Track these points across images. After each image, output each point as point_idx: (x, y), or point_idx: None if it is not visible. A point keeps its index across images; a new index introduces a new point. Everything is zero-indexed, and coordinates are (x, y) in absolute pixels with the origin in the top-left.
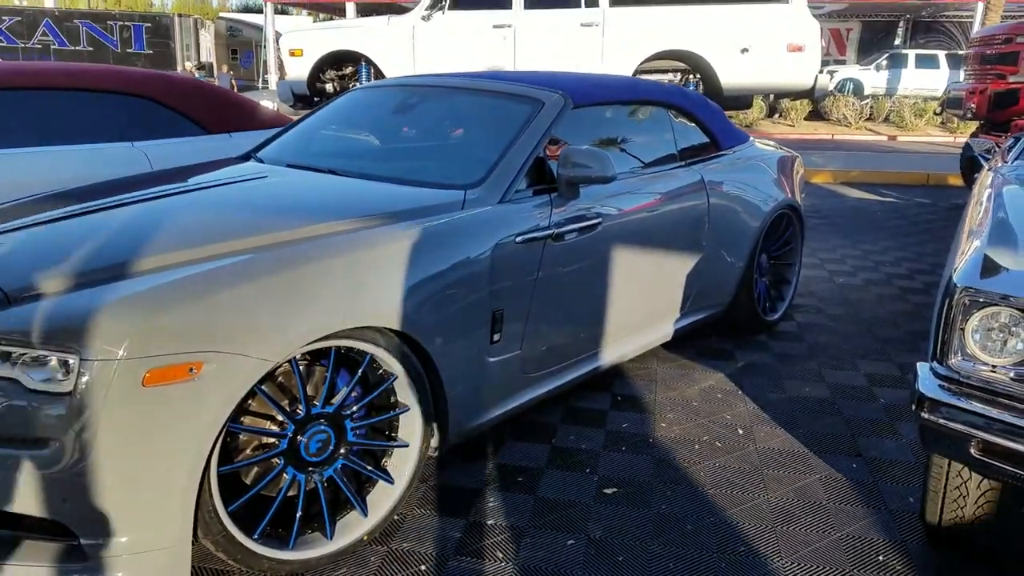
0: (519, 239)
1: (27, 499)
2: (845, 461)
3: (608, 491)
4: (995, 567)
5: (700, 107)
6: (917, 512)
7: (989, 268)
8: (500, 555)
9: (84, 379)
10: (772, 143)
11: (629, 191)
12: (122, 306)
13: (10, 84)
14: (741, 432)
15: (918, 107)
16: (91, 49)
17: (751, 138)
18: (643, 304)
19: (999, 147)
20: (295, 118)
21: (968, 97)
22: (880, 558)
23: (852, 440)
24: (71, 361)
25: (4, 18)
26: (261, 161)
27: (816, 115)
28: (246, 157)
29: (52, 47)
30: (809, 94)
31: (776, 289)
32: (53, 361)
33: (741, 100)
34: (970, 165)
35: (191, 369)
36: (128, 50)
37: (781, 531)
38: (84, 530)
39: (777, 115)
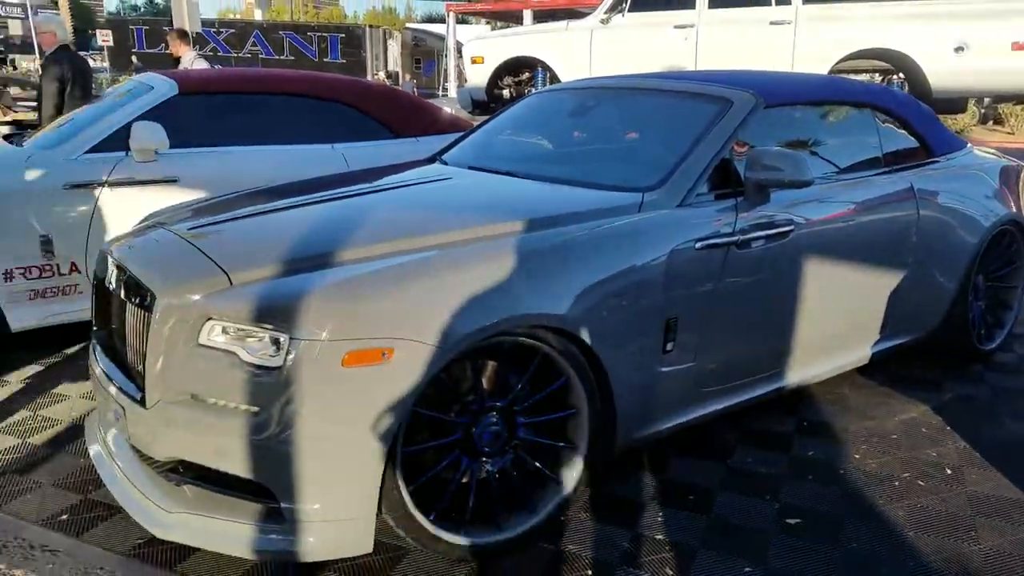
0: (699, 245)
1: (236, 461)
2: None
3: (791, 521)
4: None
5: (909, 109)
6: None
7: None
8: (669, 572)
9: (292, 356)
10: (993, 151)
11: (826, 198)
12: (327, 293)
13: (237, 88)
14: (949, 472)
15: None
16: (292, 58)
17: (968, 144)
18: (836, 323)
19: None
20: (474, 123)
21: None
22: None
23: None
24: (282, 339)
25: (221, 30)
26: (446, 163)
27: None
28: (432, 159)
29: (260, 56)
30: None
31: (994, 315)
32: (266, 338)
33: (953, 104)
34: None
35: (384, 354)
36: (325, 59)
37: None
38: (283, 494)
39: (992, 121)
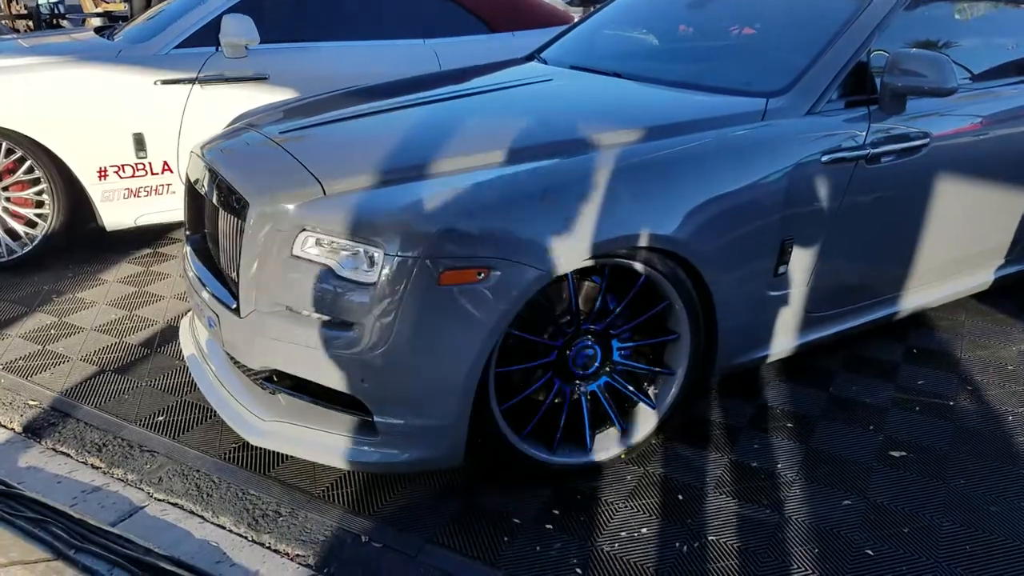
0: (825, 159)
1: (332, 374)
2: None
3: (895, 454)
4: None
5: None
6: None
7: None
8: (765, 501)
9: (386, 272)
10: None
11: (967, 106)
12: (425, 207)
13: None
14: None
15: None
16: None
17: None
18: (962, 245)
19: None
20: (575, 17)
21: None
22: None
23: None
24: (375, 254)
25: None
26: (545, 62)
27: None
28: (530, 58)
29: None
30: None
31: None
32: (360, 252)
33: None
34: None
35: (480, 273)
36: None
37: None
38: (377, 408)
39: None
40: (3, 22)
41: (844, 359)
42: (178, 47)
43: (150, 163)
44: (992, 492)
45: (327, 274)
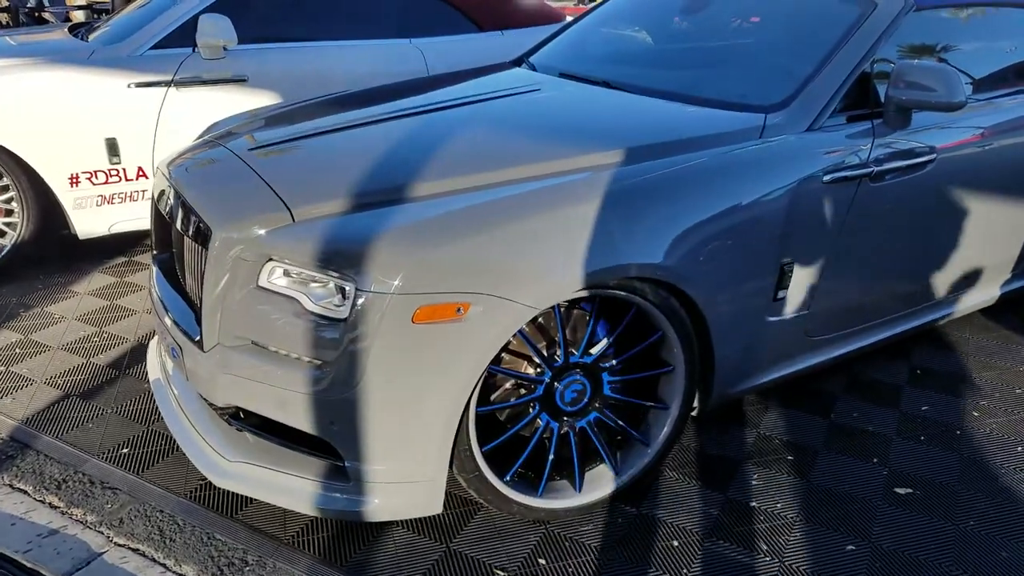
0: (827, 178)
1: (300, 415)
2: None
3: (900, 491)
4: None
5: None
6: None
7: None
8: (764, 547)
9: (358, 307)
10: None
11: (973, 118)
12: (399, 238)
13: None
14: None
15: None
16: None
17: None
18: (967, 261)
19: None
20: (565, 14)
21: None
22: None
23: None
24: (347, 288)
25: None
26: (534, 68)
27: None
28: (518, 62)
29: None
30: None
31: None
32: (331, 285)
33: None
34: None
35: (459, 309)
36: None
37: None
38: (348, 453)
39: None
40: None
41: (845, 382)
42: (153, 48)
43: (124, 169)
44: (1003, 534)
45: (296, 308)
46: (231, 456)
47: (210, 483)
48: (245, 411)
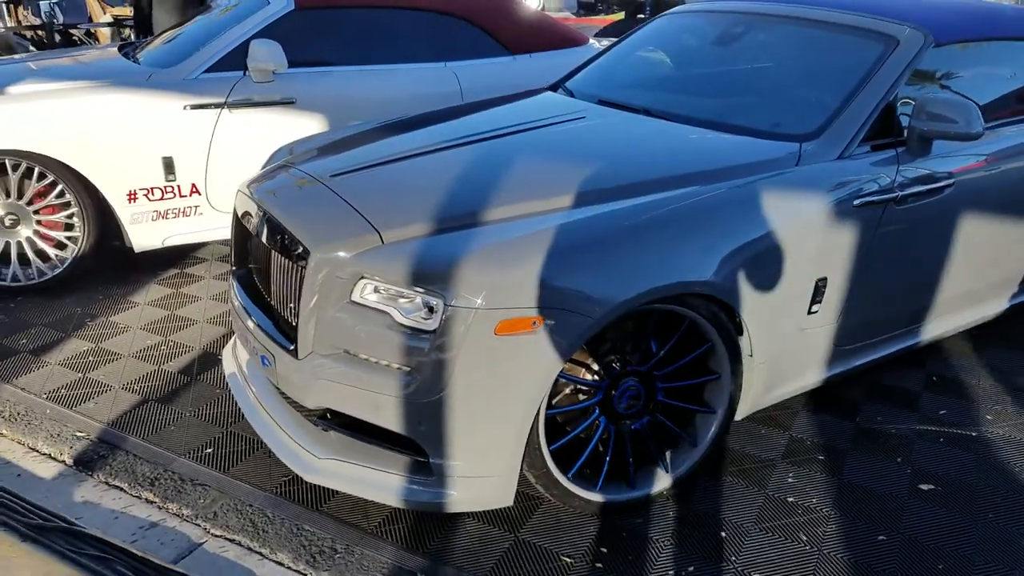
0: (856, 202)
1: (390, 417)
2: None
3: (924, 487)
4: None
5: None
6: None
7: None
8: (804, 537)
9: (445, 320)
10: None
11: (989, 144)
12: (482, 259)
13: (354, 3)
14: None
15: None
16: None
17: None
18: (980, 275)
19: None
20: (588, 37)
21: None
22: None
23: None
24: (435, 303)
25: None
26: (571, 94)
27: None
28: (555, 87)
29: None
30: None
31: None
32: (418, 300)
33: None
34: None
35: (534, 323)
36: None
37: None
38: (433, 450)
39: None
40: (21, 34)
41: (868, 388)
42: (207, 72)
43: (178, 186)
44: (1021, 526)
45: (387, 321)
46: (320, 453)
47: (293, 479)
48: (332, 413)
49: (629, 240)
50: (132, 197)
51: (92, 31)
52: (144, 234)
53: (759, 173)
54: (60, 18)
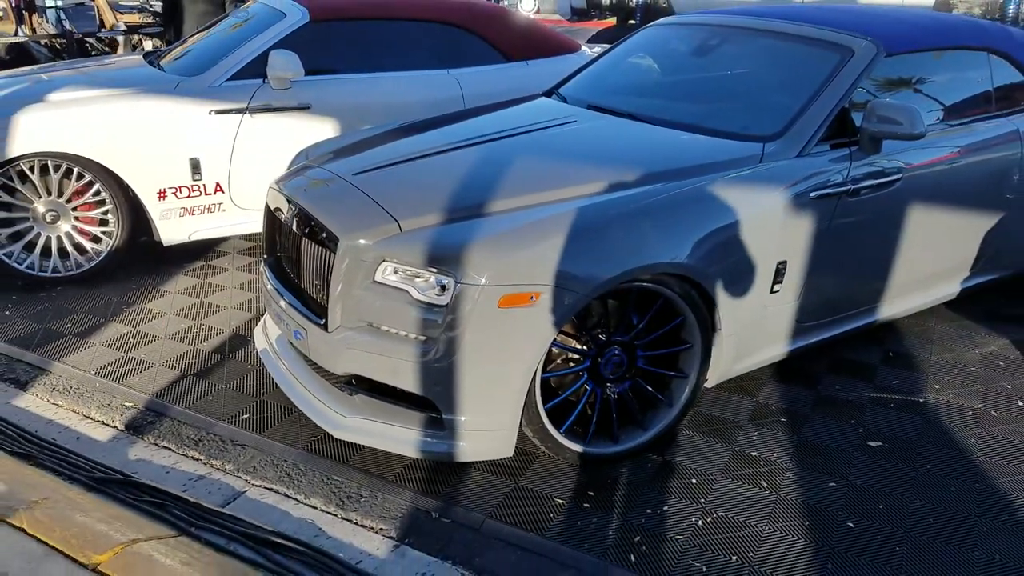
0: (813, 194)
1: (409, 379)
2: None
3: (873, 444)
4: None
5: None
6: None
7: None
8: (764, 484)
9: (457, 297)
10: None
11: (933, 144)
12: (488, 243)
13: (364, 15)
14: (1020, 404)
15: None
16: None
17: None
18: (932, 262)
19: None
20: (581, 44)
21: None
22: None
23: None
24: (446, 282)
25: None
26: (564, 99)
27: None
28: (549, 94)
29: None
30: None
31: None
32: (432, 279)
33: None
34: None
35: (532, 297)
36: None
37: None
38: (446, 407)
39: None
40: (43, 42)
41: (829, 362)
42: (230, 80)
43: (204, 185)
44: (952, 475)
45: (405, 297)
46: (347, 413)
47: (322, 438)
48: (358, 379)
49: (614, 227)
50: (162, 195)
51: (107, 39)
52: (172, 229)
53: (727, 170)
54: (67, 25)
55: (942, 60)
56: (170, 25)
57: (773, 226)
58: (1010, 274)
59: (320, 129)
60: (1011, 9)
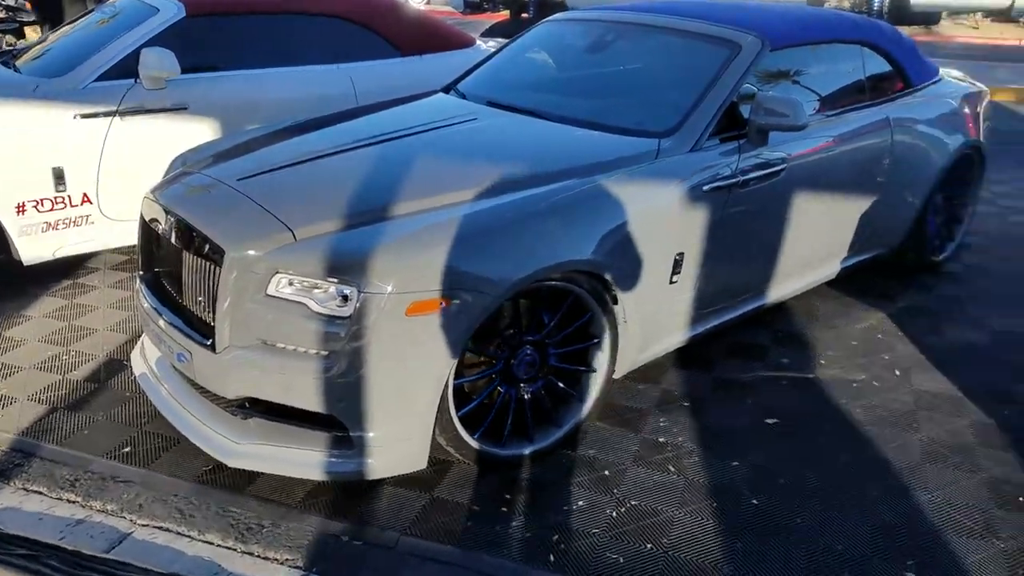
0: (707, 187)
1: (311, 398)
2: (998, 408)
3: (769, 421)
4: None
5: (893, 43)
6: None
7: None
8: (672, 469)
9: (361, 307)
10: (960, 75)
11: (813, 134)
12: (392, 249)
13: (245, 9)
14: (898, 374)
15: None
16: None
17: (940, 72)
18: (815, 245)
19: None
20: (475, 38)
21: None
22: (1021, 499)
23: (1008, 389)
24: (348, 292)
25: None
26: (464, 96)
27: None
28: (447, 90)
29: None
30: (1006, 13)
31: (947, 228)
32: (332, 290)
33: (930, 17)
34: None
35: (441, 303)
36: None
37: (929, 468)
38: (354, 424)
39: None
40: None
41: (725, 346)
42: (97, 80)
43: (69, 196)
44: (841, 446)
45: (303, 311)
46: (241, 439)
47: (214, 467)
48: (251, 401)
49: (520, 227)
50: (21, 209)
51: None
52: (34, 246)
53: (626, 166)
54: None
55: (820, 53)
56: (44, 18)
57: (671, 219)
58: (883, 252)
59: (199, 131)
60: (876, 2)
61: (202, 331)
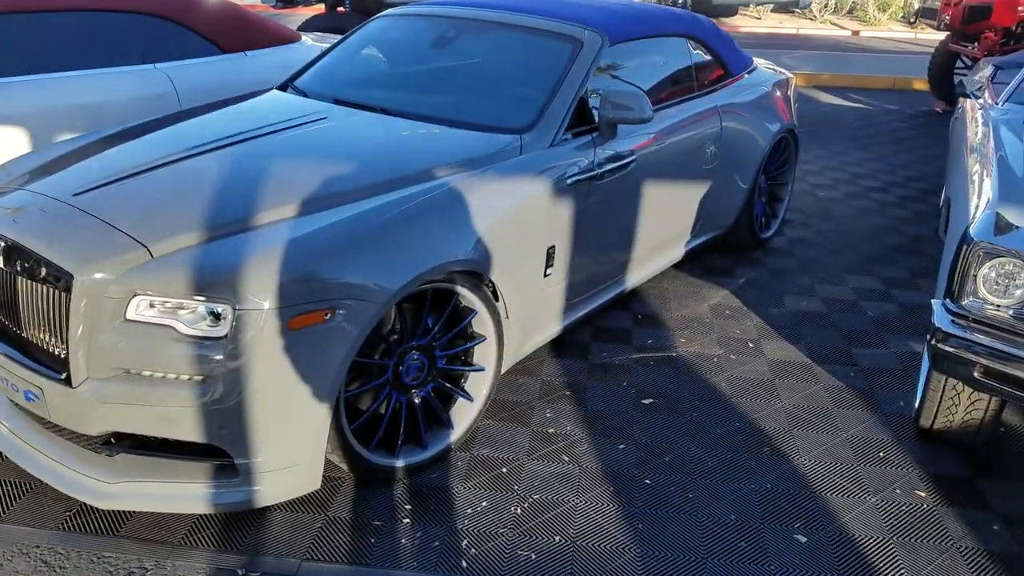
0: (569, 181)
1: (187, 427)
2: (843, 370)
3: (646, 401)
4: (972, 457)
5: (713, 36)
6: (909, 415)
7: (1001, 226)
8: (566, 458)
9: (238, 325)
10: (767, 63)
11: (657, 125)
12: (265, 260)
13: (43, 6)
14: (751, 346)
15: (881, 1)
16: None
17: (753, 61)
18: (663, 230)
19: (983, 77)
20: (295, 31)
21: (944, 9)
22: (881, 455)
23: (847, 350)
24: (221, 309)
25: None
26: (305, 94)
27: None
28: (284, 87)
29: None
30: (795, 5)
31: (771, 207)
32: (200, 309)
33: (727, 10)
34: (941, 73)
35: (326, 315)
36: None
37: (797, 433)
38: (237, 451)
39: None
40: None
41: (592, 332)
42: None
43: None
44: (714, 419)
45: (170, 334)
46: (109, 479)
47: (79, 511)
48: (118, 436)
49: (402, 230)
50: None
51: None
52: None
53: (492, 163)
54: None
55: (653, 47)
56: None
57: (541, 213)
58: (719, 233)
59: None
60: None
61: (52, 365)
